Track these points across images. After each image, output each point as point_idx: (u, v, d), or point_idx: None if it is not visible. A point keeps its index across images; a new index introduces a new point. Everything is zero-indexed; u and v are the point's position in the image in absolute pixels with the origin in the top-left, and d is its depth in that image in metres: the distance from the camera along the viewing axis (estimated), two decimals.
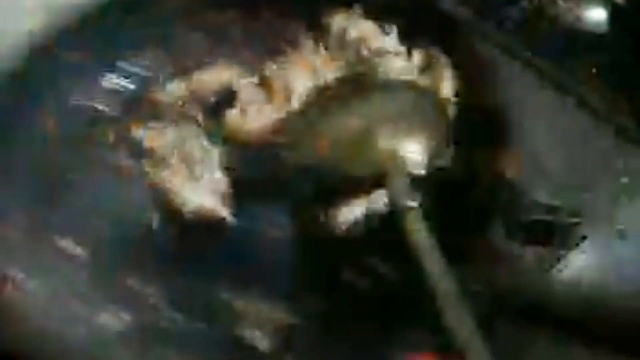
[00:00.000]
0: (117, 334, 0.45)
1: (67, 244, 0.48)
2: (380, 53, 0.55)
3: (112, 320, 0.45)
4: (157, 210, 0.50)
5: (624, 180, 0.53)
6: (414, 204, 0.45)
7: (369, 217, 0.49)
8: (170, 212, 0.50)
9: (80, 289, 0.47)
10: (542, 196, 0.51)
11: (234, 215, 0.50)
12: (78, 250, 0.48)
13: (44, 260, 0.47)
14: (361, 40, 0.56)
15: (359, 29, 0.56)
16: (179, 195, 0.50)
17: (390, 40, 0.56)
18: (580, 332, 0.43)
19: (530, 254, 0.49)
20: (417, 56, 0.56)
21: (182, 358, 0.44)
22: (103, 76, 0.55)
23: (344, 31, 0.56)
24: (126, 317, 0.46)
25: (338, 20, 0.57)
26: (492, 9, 0.62)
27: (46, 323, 0.44)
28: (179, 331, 0.46)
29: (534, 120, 0.55)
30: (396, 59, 0.55)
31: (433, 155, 0.49)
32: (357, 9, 0.57)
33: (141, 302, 0.47)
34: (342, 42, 0.56)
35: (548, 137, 0.55)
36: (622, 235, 0.51)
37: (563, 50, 0.59)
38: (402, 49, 0.56)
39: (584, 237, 0.50)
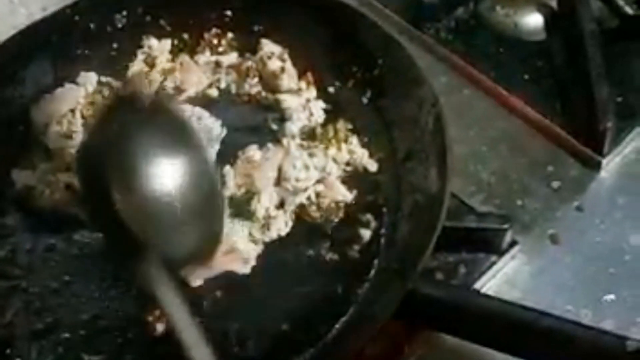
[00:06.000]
0: None
1: None
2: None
3: None
4: None
5: (555, 185, 0.53)
6: None
7: None
8: None
9: None
10: (474, 203, 0.52)
11: None
12: None
13: None
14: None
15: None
16: None
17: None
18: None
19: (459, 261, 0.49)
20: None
21: None
22: None
23: None
24: None
25: None
26: (430, 18, 0.63)
27: None
28: None
29: (467, 128, 0.56)
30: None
31: None
32: None
33: None
34: None
35: (481, 144, 0.55)
36: (554, 239, 0.51)
37: (498, 57, 0.60)
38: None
39: (515, 243, 0.50)
